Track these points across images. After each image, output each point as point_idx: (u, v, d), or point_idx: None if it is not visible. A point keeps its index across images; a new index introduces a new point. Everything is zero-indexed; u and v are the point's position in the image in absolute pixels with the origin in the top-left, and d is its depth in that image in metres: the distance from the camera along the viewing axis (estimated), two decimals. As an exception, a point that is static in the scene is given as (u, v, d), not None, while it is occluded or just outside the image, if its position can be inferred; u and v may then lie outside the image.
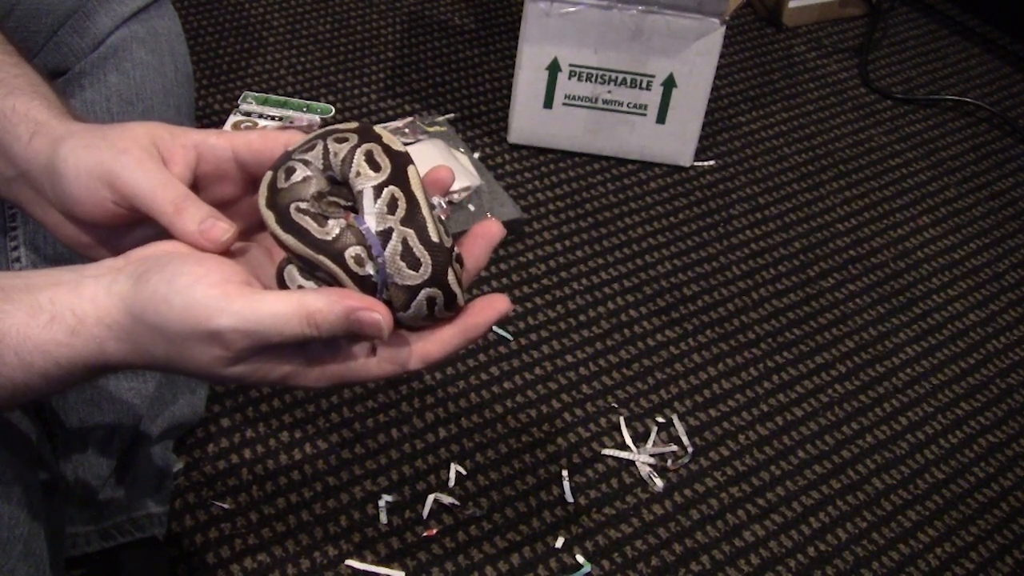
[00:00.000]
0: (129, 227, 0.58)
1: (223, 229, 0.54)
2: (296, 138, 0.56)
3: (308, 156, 0.54)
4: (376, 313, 0.50)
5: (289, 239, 0.52)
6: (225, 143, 0.57)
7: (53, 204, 0.58)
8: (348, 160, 0.53)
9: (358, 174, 0.52)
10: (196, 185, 0.57)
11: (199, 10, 1.79)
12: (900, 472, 1.23)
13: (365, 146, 0.53)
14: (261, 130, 0.58)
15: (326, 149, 0.54)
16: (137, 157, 0.55)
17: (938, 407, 1.32)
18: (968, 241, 1.59)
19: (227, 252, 0.55)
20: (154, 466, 0.96)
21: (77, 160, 0.56)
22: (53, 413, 0.90)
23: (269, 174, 0.54)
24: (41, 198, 0.59)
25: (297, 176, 0.53)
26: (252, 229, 0.60)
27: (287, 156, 0.55)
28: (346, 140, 0.54)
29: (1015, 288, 1.52)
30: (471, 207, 1.44)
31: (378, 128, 0.55)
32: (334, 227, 0.52)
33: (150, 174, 0.55)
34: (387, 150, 0.53)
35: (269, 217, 0.53)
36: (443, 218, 0.55)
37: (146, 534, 0.96)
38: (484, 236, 0.56)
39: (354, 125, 0.55)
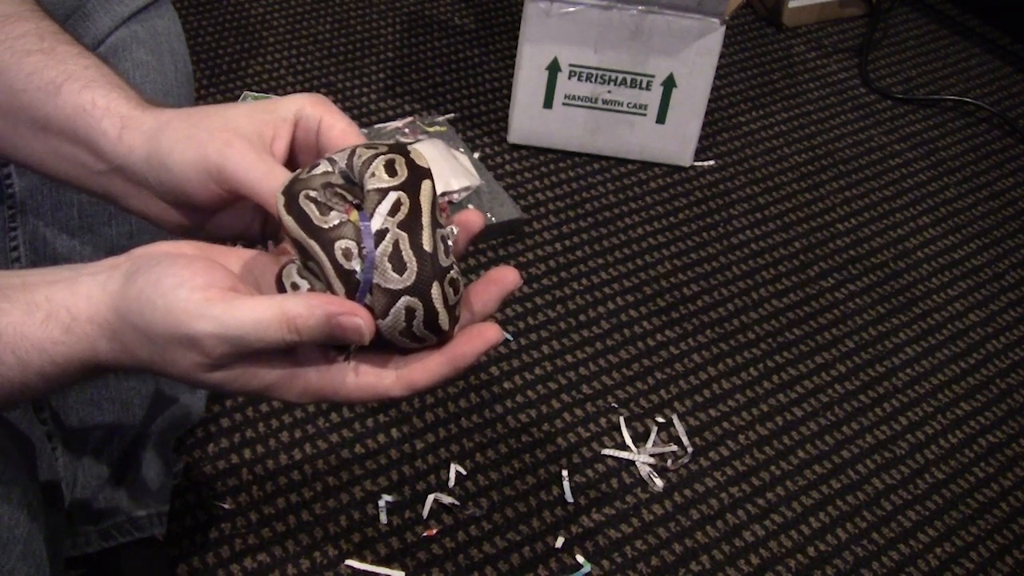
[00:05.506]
0: (236, 203, 0.59)
1: None
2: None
3: (336, 156, 0.55)
4: (357, 318, 0.50)
5: (289, 221, 0.53)
6: (315, 113, 0.59)
7: (159, 195, 0.59)
8: (368, 163, 0.53)
9: (372, 175, 0.53)
10: (291, 154, 0.59)
11: (199, 10, 1.79)
12: (900, 472, 1.23)
13: (389, 155, 0.54)
14: (347, 121, 0.59)
15: (354, 152, 0.55)
16: (240, 149, 0.56)
17: (938, 407, 1.32)
18: (968, 241, 1.59)
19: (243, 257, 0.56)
20: (154, 466, 0.96)
21: (183, 154, 0.56)
22: (53, 413, 0.90)
23: (299, 169, 0.56)
24: (139, 190, 0.60)
25: (318, 170, 0.54)
26: None
27: (322, 156, 0.56)
28: (374, 148, 0.55)
29: (1015, 288, 1.52)
30: (471, 207, 1.44)
31: (412, 147, 0.55)
32: (334, 217, 0.52)
33: (254, 165, 0.56)
34: (410, 163, 0.53)
35: (280, 200, 0.54)
36: (450, 243, 0.54)
37: (146, 534, 0.96)
38: (498, 282, 0.55)
39: (393, 142, 0.56)
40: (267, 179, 0.55)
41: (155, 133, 0.58)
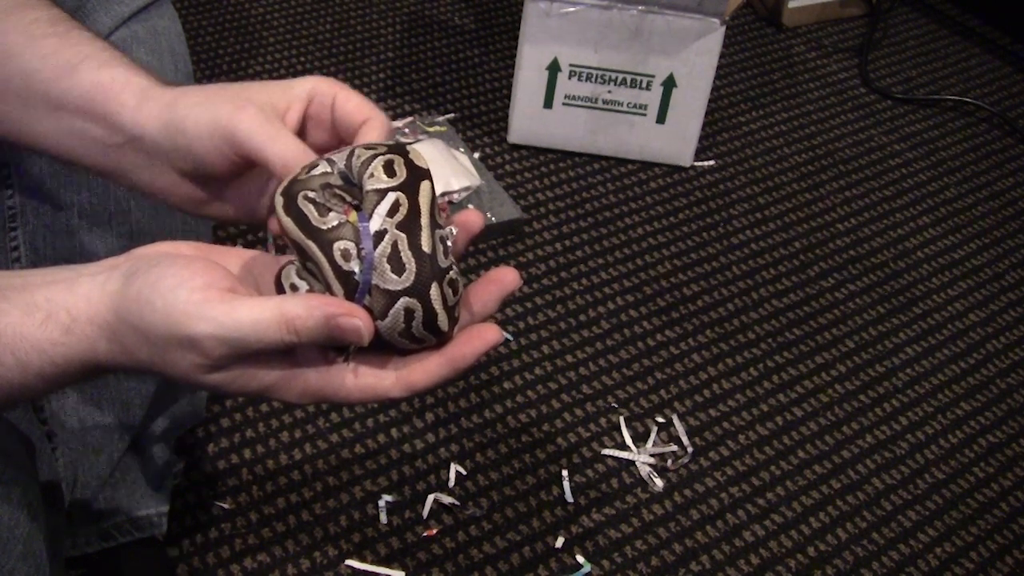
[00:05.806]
0: (246, 174, 0.60)
1: None
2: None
3: (335, 156, 0.55)
4: (356, 319, 0.50)
5: (288, 222, 0.53)
6: (329, 91, 0.60)
7: (172, 163, 0.60)
8: (367, 163, 0.53)
9: (371, 176, 0.53)
10: (302, 128, 0.60)
11: (199, 10, 1.79)
12: (900, 472, 1.23)
13: (388, 156, 0.54)
14: (362, 97, 0.60)
15: (352, 152, 0.55)
16: (251, 113, 0.57)
17: (938, 407, 1.32)
18: (968, 241, 1.59)
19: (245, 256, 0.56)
20: (154, 466, 0.96)
21: (197, 118, 0.57)
22: (53, 413, 0.90)
23: (298, 169, 0.56)
24: (151, 161, 0.60)
25: (317, 171, 0.54)
26: None
27: (320, 156, 0.57)
28: (374, 148, 0.55)
29: (1015, 288, 1.52)
30: (471, 207, 1.44)
31: (412, 147, 0.55)
32: (333, 219, 0.52)
33: (262, 128, 0.57)
34: (409, 164, 0.53)
35: (279, 202, 0.54)
36: (449, 243, 0.54)
37: (146, 534, 0.96)
38: (497, 282, 0.55)
39: (392, 142, 0.56)
40: (273, 142, 0.56)
41: (172, 102, 0.59)
